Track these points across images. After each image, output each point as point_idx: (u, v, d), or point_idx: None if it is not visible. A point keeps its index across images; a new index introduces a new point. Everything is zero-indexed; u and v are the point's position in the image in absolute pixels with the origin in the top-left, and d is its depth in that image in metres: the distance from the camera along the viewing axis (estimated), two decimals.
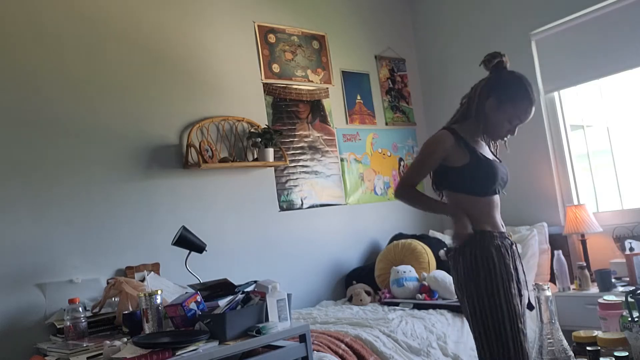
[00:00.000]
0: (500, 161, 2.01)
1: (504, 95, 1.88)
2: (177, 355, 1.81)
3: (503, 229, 1.94)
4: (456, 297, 1.97)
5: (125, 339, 1.99)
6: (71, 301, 2.26)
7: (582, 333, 2.38)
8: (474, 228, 1.88)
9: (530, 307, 1.91)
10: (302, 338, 2.13)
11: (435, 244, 3.51)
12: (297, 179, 3.57)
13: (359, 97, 4.04)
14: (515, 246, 1.94)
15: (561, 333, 2.09)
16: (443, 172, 1.95)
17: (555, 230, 3.60)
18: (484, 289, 1.81)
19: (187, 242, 2.68)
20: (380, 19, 4.29)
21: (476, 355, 1.91)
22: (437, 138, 1.93)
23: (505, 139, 1.96)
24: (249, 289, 2.24)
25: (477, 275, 1.83)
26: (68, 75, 2.76)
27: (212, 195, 3.17)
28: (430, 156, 1.91)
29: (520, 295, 1.87)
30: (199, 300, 2.10)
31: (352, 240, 3.79)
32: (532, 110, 1.90)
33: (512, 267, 1.86)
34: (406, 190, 1.96)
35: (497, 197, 1.95)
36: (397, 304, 3.12)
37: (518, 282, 1.88)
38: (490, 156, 1.97)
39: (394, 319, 2.74)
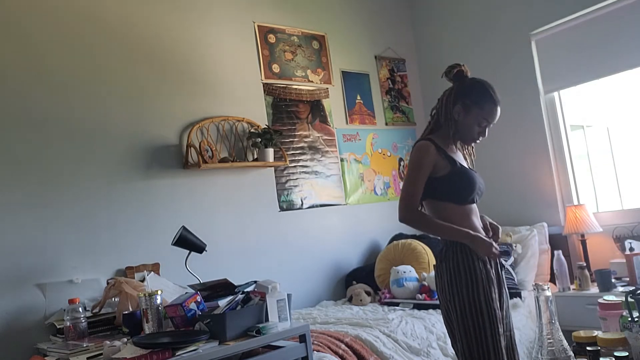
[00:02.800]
0: (476, 172, 2.05)
1: (469, 100, 1.96)
2: (177, 355, 1.81)
3: (484, 234, 1.98)
4: (438, 301, 2.02)
5: (125, 339, 1.99)
6: (71, 301, 2.26)
7: (582, 333, 2.37)
8: None
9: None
10: (302, 338, 2.13)
11: (435, 244, 3.51)
12: (297, 179, 3.57)
13: (359, 97, 4.04)
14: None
15: (561, 333, 2.08)
16: (425, 182, 1.97)
17: (555, 230, 3.61)
18: (466, 294, 1.86)
19: (187, 242, 2.68)
20: (380, 19, 4.29)
21: None
22: (421, 147, 1.96)
23: (478, 141, 2.02)
24: (249, 289, 2.24)
25: (459, 280, 1.88)
26: (67, 76, 2.76)
27: (212, 196, 3.17)
28: (422, 166, 1.93)
29: (501, 299, 1.94)
30: (199, 300, 2.10)
31: (352, 240, 3.78)
32: (497, 110, 1.97)
33: (492, 272, 1.92)
34: (414, 215, 1.92)
35: (475, 205, 2.02)
36: (397, 304, 3.12)
37: (499, 286, 1.96)
38: (465, 164, 2.04)
39: (394, 319, 2.74)
